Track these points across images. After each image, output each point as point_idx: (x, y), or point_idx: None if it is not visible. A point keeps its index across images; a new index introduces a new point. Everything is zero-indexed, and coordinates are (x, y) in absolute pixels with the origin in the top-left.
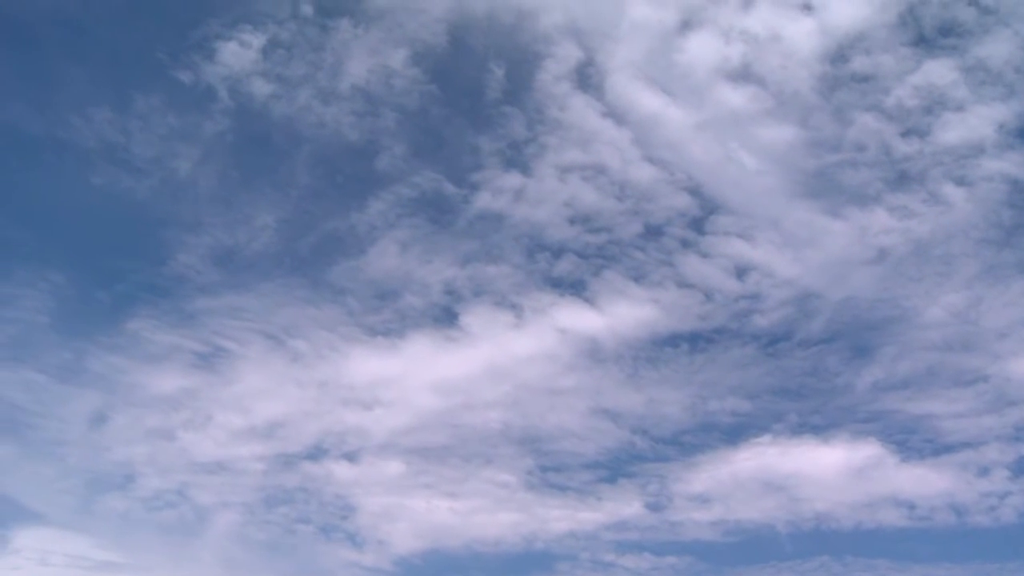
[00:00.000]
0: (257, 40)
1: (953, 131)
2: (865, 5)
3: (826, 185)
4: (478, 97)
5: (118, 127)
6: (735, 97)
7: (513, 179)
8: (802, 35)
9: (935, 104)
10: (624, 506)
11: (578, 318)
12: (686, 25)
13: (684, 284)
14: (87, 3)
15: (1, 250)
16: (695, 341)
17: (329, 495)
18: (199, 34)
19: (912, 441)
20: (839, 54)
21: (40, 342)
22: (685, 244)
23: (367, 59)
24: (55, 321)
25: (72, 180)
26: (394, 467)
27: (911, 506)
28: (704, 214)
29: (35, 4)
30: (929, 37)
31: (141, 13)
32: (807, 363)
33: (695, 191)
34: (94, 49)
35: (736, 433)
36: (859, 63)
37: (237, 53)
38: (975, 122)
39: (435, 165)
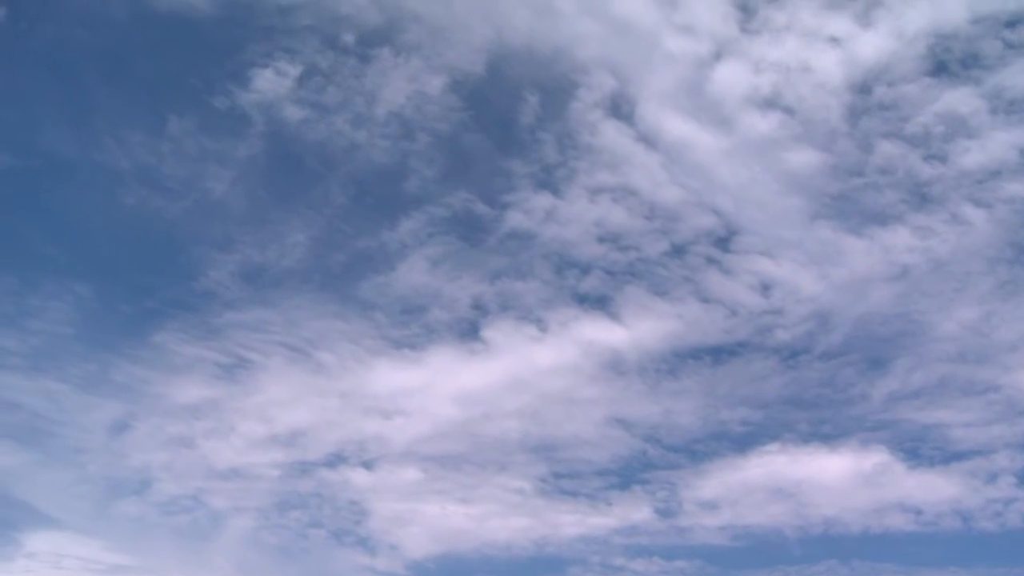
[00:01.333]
0: (294, 69)
1: (973, 156)
2: (892, 39)
3: (849, 206)
4: (512, 123)
5: (151, 149)
6: (763, 124)
7: (544, 199)
8: (831, 66)
9: (956, 130)
10: (634, 512)
11: (601, 332)
12: (718, 56)
13: (708, 299)
14: (125, 33)
15: (29, 264)
16: (718, 354)
17: (343, 501)
18: (234, 63)
19: (922, 449)
20: (865, 84)
21: (64, 353)
22: (710, 261)
23: (405, 86)
24: (80, 333)
25: (103, 199)
26: (410, 474)
27: (918, 511)
28: (729, 234)
29: (75, 34)
30: (952, 69)
31: (178, 42)
32: (824, 374)
33: (721, 212)
34: (130, 76)
35: (747, 441)
36: (884, 93)
37: (272, 81)
38: (995, 147)
39: (468, 186)
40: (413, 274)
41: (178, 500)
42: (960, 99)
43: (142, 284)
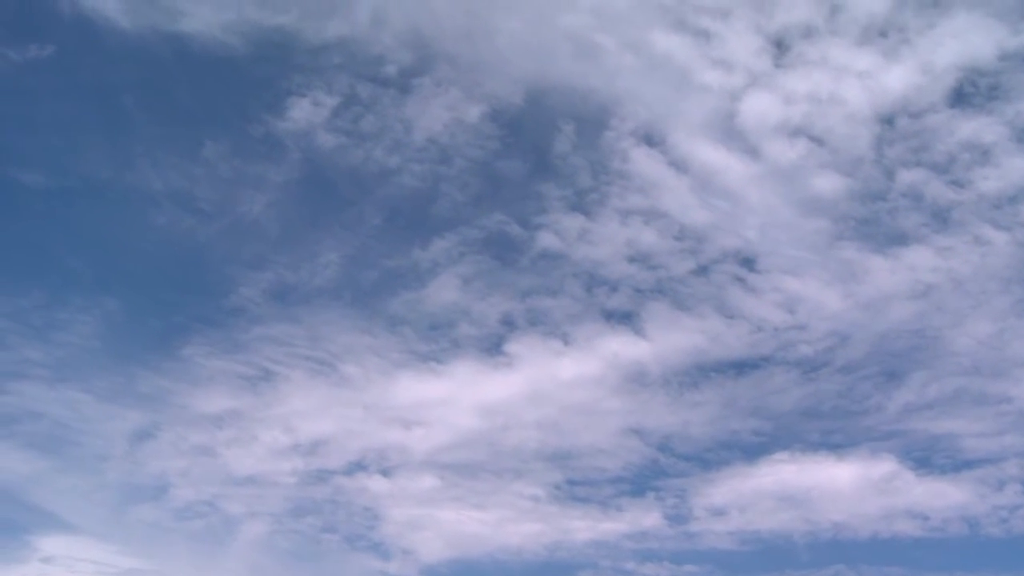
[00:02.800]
0: (331, 99)
1: (993, 181)
2: (919, 73)
3: (873, 228)
4: (547, 150)
5: (185, 173)
6: (791, 151)
7: (576, 221)
8: (859, 98)
9: (978, 157)
10: (645, 518)
11: (625, 346)
12: (750, 87)
13: (732, 315)
14: (165, 68)
15: (59, 279)
16: (741, 367)
17: (358, 507)
18: (271, 93)
19: (932, 457)
20: (891, 115)
21: (89, 364)
22: (736, 280)
23: (443, 114)
24: (106, 345)
25: (135, 219)
26: (427, 481)
27: (925, 517)
28: (755, 254)
29: (117, 69)
30: (977, 101)
31: (216, 75)
32: (842, 387)
33: (748, 233)
34: (168, 106)
35: (758, 450)
36: (909, 123)
37: (309, 110)
38: (1014, 174)
39: (502, 208)
40: (444, 291)
41: (194, 506)
42: (983, 128)
43: (171, 300)
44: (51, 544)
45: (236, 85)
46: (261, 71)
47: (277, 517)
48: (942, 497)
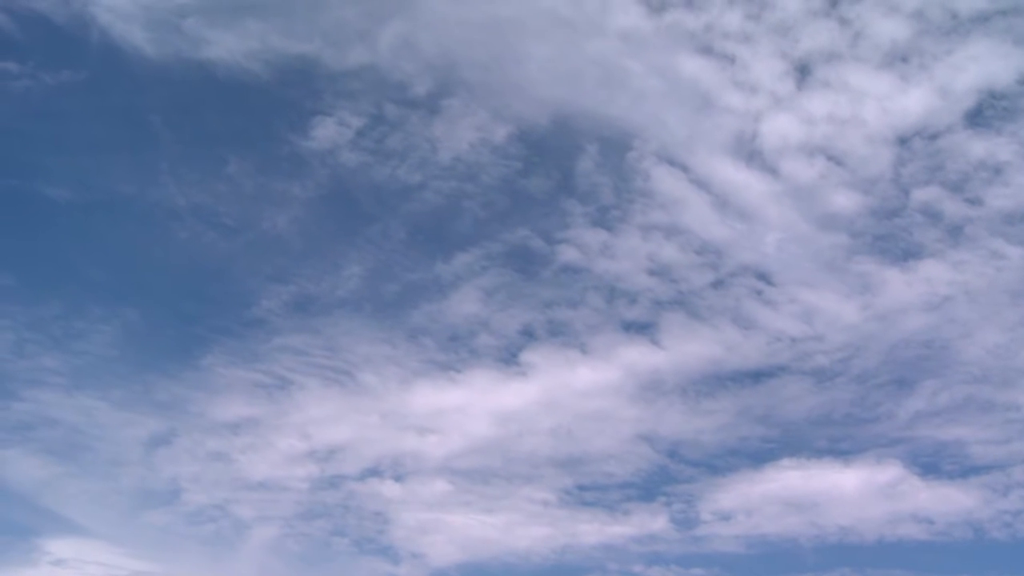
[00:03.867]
0: (357, 120)
1: (1007, 199)
2: (937, 96)
3: (890, 243)
4: (571, 169)
5: (208, 189)
6: (810, 170)
7: (598, 236)
8: (878, 119)
9: (993, 176)
10: (653, 522)
11: (642, 355)
12: (772, 109)
13: (750, 326)
14: (192, 92)
15: (79, 290)
16: (757, 376)
17: (368, 511)
18: (296, 114)
19: (939, 464)
20: (909, 136)
21: (106, 373)
22: (755, 292)
23: (470, 134)
24: (124, 355)
25: (157, 234)
26: (439, 487)
27: (930, 521)
28: (774, 267)
29: (145, 92)
30: (994, 123)
31: (242, 97)
32: (855, 395)
33: (766, 248)
34: (193, 127)
35: (766, 456)
36: (926, 143)
37: (334, 130)
38: None
39: (526, 224)
40: (465, 303)
41: (205, 510)
42: (997, 148)
43: (191, 312)
44: (61, 547)
45: (261, 107)
46: (285, 94)
47: (287, 521)
48: (947, 502)
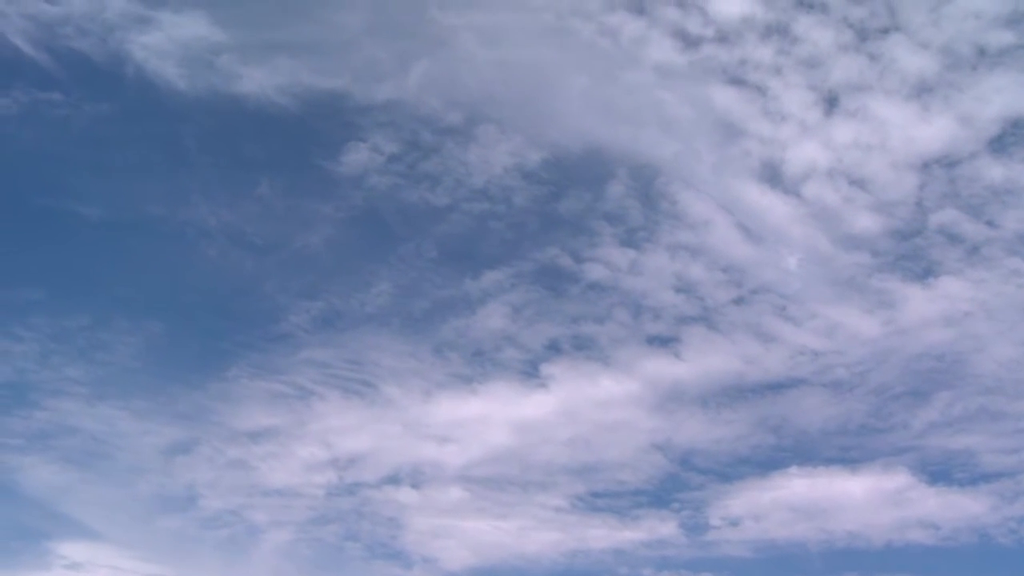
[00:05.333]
0: (391, 146)
1: None
2: (960, 124)
3: (911, 262)
4: (602, 192)
5: (238, 210)
6: (835, 194)
7: (627, 255)
8: (903, 147)
9: (1012, 199)
10: (663, 527)
11: (663, 368)
12: (800, 137)
13: (771, 340)
14: (223, 122)
15: (106, 303)
16: (778, 388)
17: (382, 517)
18: (328, 140)
19: (948, 471)
20: (933, 162)
21: (128, 383)
22: (777, 308)
23: (505, 159)
24: (147, 366)
25: (187, 251)
26: (455, 493)
27: (936, 527)
28: (798, 286)
29: (178, 120)
30: (1014, 150)
31: (273, 123)
32: (871, 406)
33: (790, 266)
34: (225, 152)
35: (777, 464)
36: (949, 169)
37: (367, 155)
38: None
39: (555, 244)
40: (492, 318)
41: (221, 515)
42: (1017, 174)
43: (217, 326)
44: (76, 550)
45: (292, 135)
46: (317, 124)
47: (301, 526)
48: (954, 508)
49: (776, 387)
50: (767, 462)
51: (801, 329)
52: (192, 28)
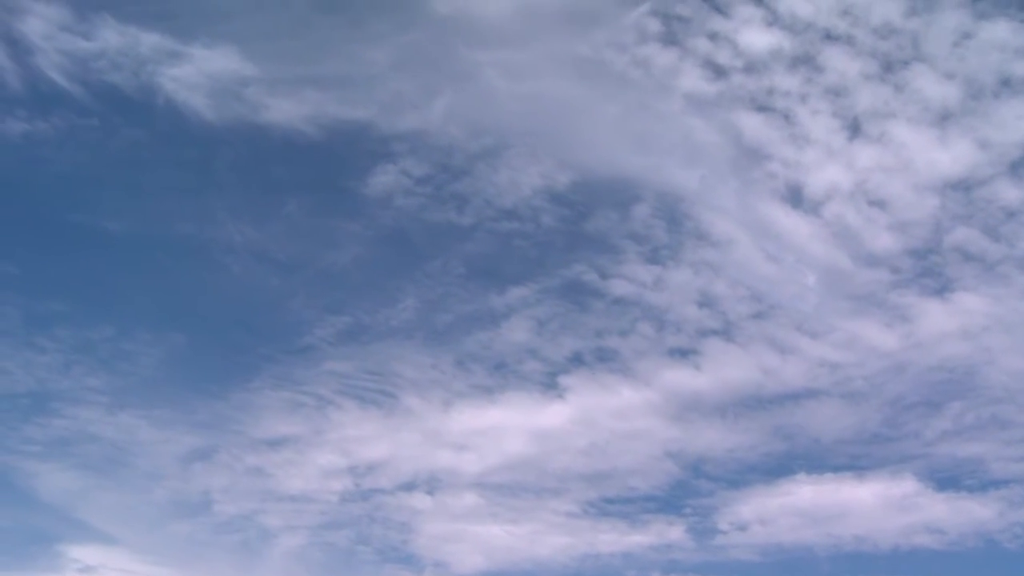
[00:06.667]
0: (420, 169)
1: None
2: (979, 148)
3: (930, 279)
4: (628, 213)
5: (264, 228)
6: (856, 214)
7: (652, 271)
8: (924, 170)
9: None
10: (671, 531)
11: (682, 379)
12: (823, 160)
13: (791, 353)
14: (248, 144)
15: (131, 316)
16: (795, 399)
17: (395, 522)
18: (355, 162)
19: (956, 478)
20: (952, 185)
21: (150, 393)
22: (796, 322)
23: (534, 181)
24: (170, 376)
25: (212, 267)
26: (469, 499)
27: (942, 532)
28: (818, 301)
29: (204, 144)
30: None
31: (301, 148)
32: (885, 415)
33: (810, 282)
34: (252, 174)
35: (787, 471)
36: (968, 192)
37: (396, 176)
38: None
39: (581, 261)
40: (516, 332)
41: (234, 521)
42: None
43: (240, 340)
44: (89, 554)
45: (318, 159)
46: (342, 150)
47: (313, 530)
48: (961, 513)
49: (793, 397)
50: (777, 469)
51: (820, 342)
52: (222, 62)
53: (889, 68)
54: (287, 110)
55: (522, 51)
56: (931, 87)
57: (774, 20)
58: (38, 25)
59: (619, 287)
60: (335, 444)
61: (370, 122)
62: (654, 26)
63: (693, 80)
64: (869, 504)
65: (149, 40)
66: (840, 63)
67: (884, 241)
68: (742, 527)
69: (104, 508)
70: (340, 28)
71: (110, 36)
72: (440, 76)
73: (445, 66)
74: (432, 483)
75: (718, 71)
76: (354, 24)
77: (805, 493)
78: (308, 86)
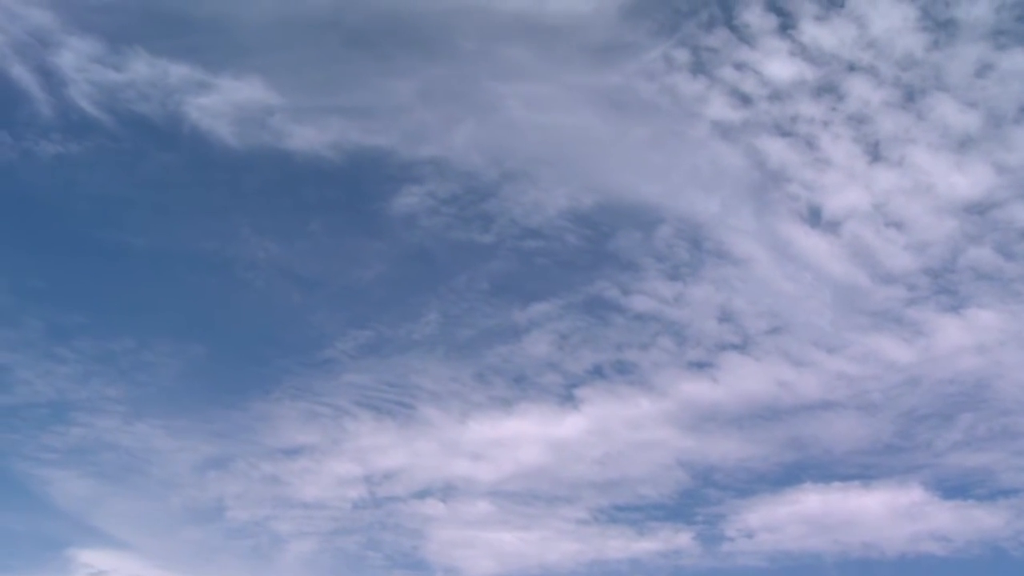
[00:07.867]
0: (445, 190)
1: None
2: (994, 172)
3: (946, 296)
4: (651, 232)
5: (288, 246)
6: (874, 235)
7: (673, 287)
8: (941, 193)
9: None
10: (679, 538)
11: (699, 391)
12: (844, 183)
13: (807, 366)
14: (274, 166)
15: (152, 328)
16: (811, 410)
17: (406, 528)
18: (377, 187)
19: (966, 487)
20: (968, 207)
21: (168, 403)
22: (814, 336)
23: (559, 203)
24: (189, 387)
25: (234, 282)
26: (482, 507)
27: (949, 539)
28: (835, 316)
29: (229, 168)
30: None
31: (324, 171)
32: (899, 427)
33: (828, 298)
34: (276, 194)
35: (796, 479)
36: (984, 214)
37: (420, 199)
38: None
39: (604, 278)
40: (537, 346)
41: (246, 527)
42: None
43: (260, 353)
44: (99, 559)
45: (340, 182)
46: (364, 175)
47: (324, 536)
48: (968, 522)
49: (807, 409)
50: (786, 478)
51: (836, 356)
52: (248, 92)
53: (911, 97)
54: (311, 137)
55: (546, 84)
56: (952, 115)
57: (799, 51)
58: (71, 58)
59: (640, 303)
60: (351, 453)
61: (393, 149)
62: (683, 56)
63: (719, 107)
64: (876, 512)
65: (178, 71)
66: (863, 92)
67: (901, 260)
68: (750, 535)
69: (117, 514)
70: (367, 61)
71: (140, 67)
72: (463, 107)
73: (469, 98)
74: (446, 491)
75: (744, 99)
76: (380, 58)
77: (812, 501)
78: (332, 115)
